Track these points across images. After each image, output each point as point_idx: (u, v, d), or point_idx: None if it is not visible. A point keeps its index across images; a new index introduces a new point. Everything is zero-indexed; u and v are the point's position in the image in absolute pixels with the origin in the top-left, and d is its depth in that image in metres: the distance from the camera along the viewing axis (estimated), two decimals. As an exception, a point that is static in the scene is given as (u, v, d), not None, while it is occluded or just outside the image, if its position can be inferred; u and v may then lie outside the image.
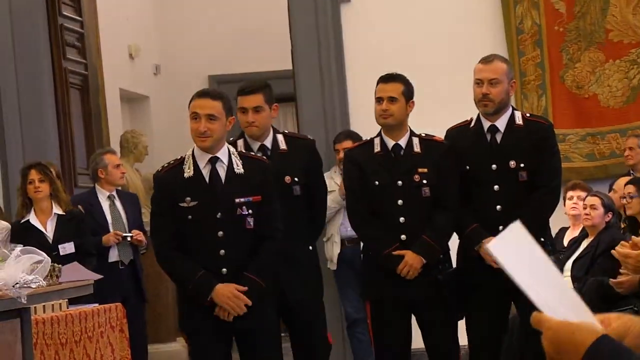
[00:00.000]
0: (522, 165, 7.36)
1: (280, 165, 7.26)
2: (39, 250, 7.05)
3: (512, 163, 7.42)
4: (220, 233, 6.59)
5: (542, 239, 7.93)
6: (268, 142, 7.24)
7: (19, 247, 7.16)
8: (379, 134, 8.12)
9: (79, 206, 10.81)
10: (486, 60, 8.30)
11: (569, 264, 9.92)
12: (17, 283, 6.67)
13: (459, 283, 8.00)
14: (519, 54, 11.41)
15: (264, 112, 7.10)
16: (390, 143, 7.99)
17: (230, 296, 6.48)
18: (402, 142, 7.93)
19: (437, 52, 11.82)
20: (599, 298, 8.68)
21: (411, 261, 7.66)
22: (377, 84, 8.11)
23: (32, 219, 10.54)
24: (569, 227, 10.74)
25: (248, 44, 16.43)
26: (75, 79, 13.36)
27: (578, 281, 9.54)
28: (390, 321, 7.86)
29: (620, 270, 7.32)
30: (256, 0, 16.62)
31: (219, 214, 6.61)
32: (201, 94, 6.98)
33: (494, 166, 7.35)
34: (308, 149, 8.12)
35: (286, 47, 13.15)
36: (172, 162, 7.01)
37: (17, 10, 12.32)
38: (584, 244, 9.91)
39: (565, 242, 10.60)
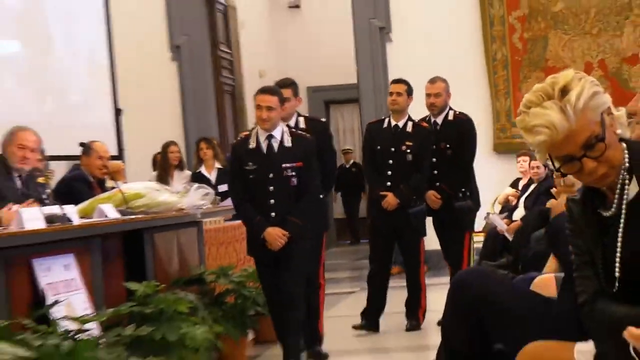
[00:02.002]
0: (409, 148, 9.15)
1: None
2: (207, 187, 8.76)
3: (403, 147, 9.25)
4: (271, 188, 7.32)
5: (463, 189, 9.80)
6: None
7: (195, 185, 8.80)
8: (388, 116, 9.64)
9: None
10: (432, 81, 10.03)
11: (522, 200, 11.44)
12: (194, 206, 8.31)
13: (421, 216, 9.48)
14: (493, 74, 13.61)
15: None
16: (393, 123, 9.49)
17: (275, 236, 7.25)
18: (400, 123, 9.39)
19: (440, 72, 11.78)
20: (540, 220, 8.34)
21: (390, 200, 9.20)
22: (390, 84, 9.87)
23: (203, 170, 12.58)
24: (521, 178, 12.48)
25: (328, 63, 16.87)
26: (228, 89, 15.71)
27: (528, 209, 10.72)
28: (377, 239, 9.59)
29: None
30: (333, 32, 16.89)
31: (271, 174, 7.32)
32: (262, 91, 7.61)
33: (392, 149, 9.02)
34: (319, 129, 8.75)
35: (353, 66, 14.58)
36: (242, 136, 7.89)
37: (195, 49, 14.42)
38: (531, 188, 11.39)
39: (520, 187, 12.35)
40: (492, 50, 13.74)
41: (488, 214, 11.56)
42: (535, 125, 2.86)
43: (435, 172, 9.49)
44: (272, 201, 7.27)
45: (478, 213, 10.19)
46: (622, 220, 2.87)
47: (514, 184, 12.59)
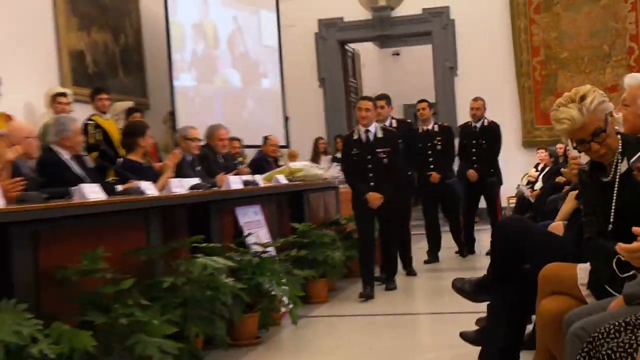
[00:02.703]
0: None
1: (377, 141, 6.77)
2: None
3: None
4: (370, 166, 6.64)
5: (492, 170, 9.15)
6: (372, 128, 6.74)
7: (334, 164, 9.40)
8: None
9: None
10: (475, 99, 9.37)
11: (540, 177, 11.13)
12: (333, 177, 8.38)
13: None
14: (522, 96, 13.23)
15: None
16: (425, 128, 8.80)
17: (374, 198, 6.58)
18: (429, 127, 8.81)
19: (488, 95, 11.57)
20: (552, 189, 8.55)
21: (435, 176, 8.63)
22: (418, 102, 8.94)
23: (338, 155, 10.68)
24: (540, 163, 11.88)
25: (416, 88, 14.64)
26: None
27: (544, 183, 10.32)
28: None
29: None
30: (420, 69, 15.41)
31: (369, 157, 6.65)
32: (362, 98, 7.29)
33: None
34: (406, 127, 8.22)
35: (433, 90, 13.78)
36: (352, 131, 7.22)
37: (334, 80, 13.97)
38: (546, 170, 11.03)
39: (539, 169, 11.74)
40: (521, 82, 13.42)
41: (519, 185, 11.76)
42: (561, 118, 2.95)
43: (474, 158, 9.13)
44: (370, 174, 6.65)
45: (502, 187, 10.01)
46: (616, 185, 2.95)
47: (535, 167, 12.23)
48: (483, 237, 9.29)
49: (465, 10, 13.33)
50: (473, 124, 9.31)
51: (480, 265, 7.45)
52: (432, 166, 8.75)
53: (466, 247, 9.27)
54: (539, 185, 11.01)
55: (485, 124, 9.23)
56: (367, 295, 6.54)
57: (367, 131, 6.66)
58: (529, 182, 11.98)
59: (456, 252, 9.22)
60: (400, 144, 7.22)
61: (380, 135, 6.68)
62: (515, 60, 13.36)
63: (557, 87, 13.17)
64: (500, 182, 9.52)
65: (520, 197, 11.31)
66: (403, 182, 7.36)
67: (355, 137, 6.73)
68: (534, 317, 3.62)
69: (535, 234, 3.63)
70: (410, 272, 7.77)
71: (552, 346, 2.98)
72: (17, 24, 8.11)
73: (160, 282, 4.38)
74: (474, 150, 9.16)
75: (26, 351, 3.00)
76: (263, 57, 12.38)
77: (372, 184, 6.61)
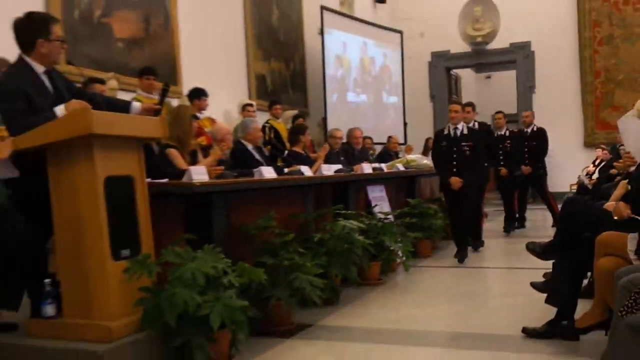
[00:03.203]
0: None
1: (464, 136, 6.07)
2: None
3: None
4: (454, 156, 6.01)
5: (540, 165, 8.50)
6: (460, 126, 6.01)
7: None
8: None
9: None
10: (526, 110, 9.14)
11: (597, 170, 9.93)
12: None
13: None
14: (585, 109, 12.47)
15: (458, 114, 6.02)
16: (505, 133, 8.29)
17: (456, 181, 5.95)
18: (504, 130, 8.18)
19: (559, 109, 12.52)
20: (606, 179, 7.79)
21: (503, 171, 8.11)
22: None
23: None
24: (597, 159, 10.84)
25: (504, 103, 14.31)
26: None
27: (600, 174, 9.33)
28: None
29: None
30: (506, 89, 14.14)
31: (454, 149, 6.01)
32: (451, 102, 6.61)
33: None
34: (486, 129, 7.58)
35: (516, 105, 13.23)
36: (443, 128, 6.25)
37: (440, 97, 13.54)
38: (602, 164, 9.89)
39: (596, 163, 10.68)
40: (585, 98, 12.74)
41: (579, 176, 11.06)
42: None
43: (526, 156, 8.40)
44: (454, 163, 6.02)
45: (566, 176, 9.92)
46: None
47: (593, 162, 11.39)
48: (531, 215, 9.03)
49: (543, 44, 12.90)
50: (524, 129, 8.69)
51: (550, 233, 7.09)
52: (502, 163, 8.18)
53: (519, 222, 8.68)
54: (595, 176, 10.11)
55: (535, 129, 8.60)
56: (461, 257, 6.09)
57: (455, 128, 6.10)
58: (587, 174, 11.38)
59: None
60: (467, 150, 6.59)
61: (465, 132, 6.12)
62: (581, 81, 12.75)
63: (614, 102, 12.52)
64: (545, 174, 8.80)
65: (581, 185, 10.65)
66: (481, 172, 6.64)
67: (445, 132, 6.15)
68: (589, 273, 3.54)
69: (593, 210, 3.50)
70: (476, 245, 6.88)
71: (607, 295, 2.91)
72: (221, 56, 8.32)
73: (312, 237, 4.43)
74: (525, 149, 8.52)
75: (219, 280, 3.08)
76: (390, 80, 12.22)
77: (454, 170, 6.04)
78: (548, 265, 3.63)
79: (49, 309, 2.94)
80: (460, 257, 6.08)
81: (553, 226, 8.15)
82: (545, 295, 3.51)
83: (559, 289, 3.42)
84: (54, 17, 3.21)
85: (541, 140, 8.53)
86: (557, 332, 3.37)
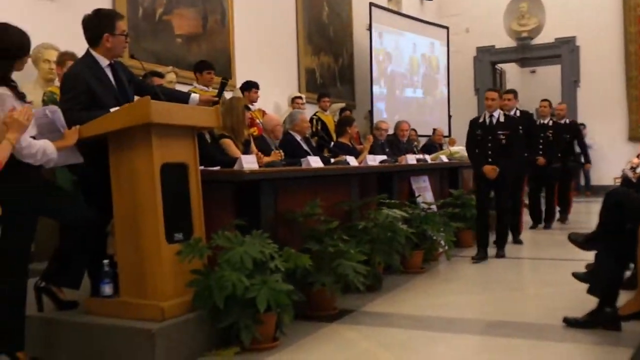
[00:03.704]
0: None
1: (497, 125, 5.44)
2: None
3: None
4: (489, 145, 5.40)
5: (572, 157, 8.00)
6: (496, 114, 5.42)
7: None
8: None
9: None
10: (560, 104, 8.26)
11: None
12: None
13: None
14: (630, 104, 12.05)
15: (494, 102, 5.45)
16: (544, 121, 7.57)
17: (490, 169, 5.31)
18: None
19: (603, 103, 12.20)
20: None
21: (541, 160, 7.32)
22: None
23: None
24: None
25: (548, 95, 13.29)
26: None
27: None
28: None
29: None
30: (551, 83, 13.43)
31: (489, 137, 5.40)
32: (490, 89, 5.75)
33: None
34: (527, 116, 6.81)
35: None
36: (478, 117, 5.68)
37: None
38: None
39: None
40: (630, 92, 12.26)
41: (623, 169, 10.73)
42: None
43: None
44: (489, 152, 5.44)
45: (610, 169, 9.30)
46: None
47: (638, 156, 11.24)
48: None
49: (588, 39, 12.44)
50: (559, 121, 8.00)
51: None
52: (540, 152, 7.49)
53: (546, 221, 7.78)
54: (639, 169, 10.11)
55: (568, 122, 7.99)
56: (479, 259, 5.47)
57: (491, 116, 5.49)
58: (631, 167, 10.99)
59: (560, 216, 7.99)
60: (520, 130, 5.94)
61: (502, 120, 5.49)
62: (626, 75, 12.26)
63: (653, 98, 11.94)
64: (577, 169, 8.42)
65: (625, 178, 10.35)
66: (519, 161, 5.94)
67: (481, 120, 5.56)
68: (632, 265, 3.40)
69: (635, 202, 3.32)
70: (517, 240, 6.37)
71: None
72: (272, 50, 8.33)
73: (357, 225, 4.39)
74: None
75: (266, 264, 3.08)
76: (435, 74, 12.01)
77: (489, 160, 5.43)
78: (590, 256, 3.50)
79: (107, 289, 3.00)
80: (478, 258, 5.47)
81: (559, 220, 7.93)
82: (587, 285, 3.39)
83: (601, 279, 3.29)
84: (119, 13, 3.28)
85: (574, 133, 8.00)
86: (598, 321, 3.26)
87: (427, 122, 11.10)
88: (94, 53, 3.16)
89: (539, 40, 12.91)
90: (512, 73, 15.83)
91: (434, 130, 10.23)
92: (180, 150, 3.06)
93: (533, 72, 17.29)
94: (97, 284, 3.05)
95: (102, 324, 2.87)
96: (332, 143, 6.70)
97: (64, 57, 4.44)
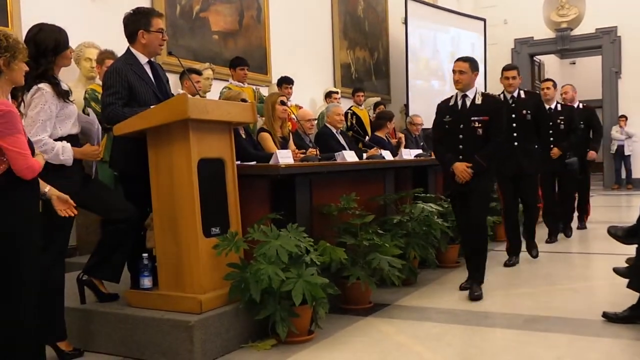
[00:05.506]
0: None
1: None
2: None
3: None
4: (461, 136, 4.04)
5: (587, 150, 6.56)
6: (470, 93, 4.08)
7: None
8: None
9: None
10: (565, 86, 6.79)
11: None
12: None
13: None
14: None
15: (516, 80, 4.99)
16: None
17: (461, 169, 3.96)
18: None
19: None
20: None
21: (556, 151, 5.92)
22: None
23: None
24: None
25: (587, 86, 13.75)
26: None
27: None
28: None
29: None
30: (591, 75, 12.99)
31: (461, 125, 4.04)
32: (457, 60, 4.22)
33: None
34: (536, 99, 5.20)
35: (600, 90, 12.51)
36: (448, 98, 4.26)
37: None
38: None
39: None
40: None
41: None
42: None
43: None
44: (461, 146, 4.07)
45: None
46: None
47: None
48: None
49: (630, 29, 12.06)
50: (567, 105, 6.51)
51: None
52: (461, 156, 6.04)
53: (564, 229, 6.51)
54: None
55: (581, 107, 6.67)
56: (509, 264, 5.03)
57: (464, 96, 4.11)
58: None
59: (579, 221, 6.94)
60: (528, 114, 5.00)
61: (478, 102, 4.11)
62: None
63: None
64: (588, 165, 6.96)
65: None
66: (536, 157, 5.08)
67: (451, 103, 4.20)
68: None
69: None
70: (533, 255, 5.32)
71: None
72: (308, 46, 8.36)
73: (392, 218, 4.38)
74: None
75: (302, 258, 3.09)
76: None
77: (461, 157, 4.11)
78: (631, 250, 3.40)
79: (146, 281, 3.06)
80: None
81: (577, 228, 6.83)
82: (627, 280, 3.28)
83: (640, 274, 3.15)
84: (157, 11, 3.31)
85: (592, 120, 6.63)
86: (638, 316, 3.17)
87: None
88: (133, 50, 3.20)
89: (579, 31, 12.63)
90: (551, 65, 15.46)
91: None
92: (217, 146, 3.08)
93: (573, 63, 17.15)
94: (136, 277, 3.10)
95: (142, 316, 2.91)
96: (367, 137, 6.67)
97: (103, 55, 4.55)
